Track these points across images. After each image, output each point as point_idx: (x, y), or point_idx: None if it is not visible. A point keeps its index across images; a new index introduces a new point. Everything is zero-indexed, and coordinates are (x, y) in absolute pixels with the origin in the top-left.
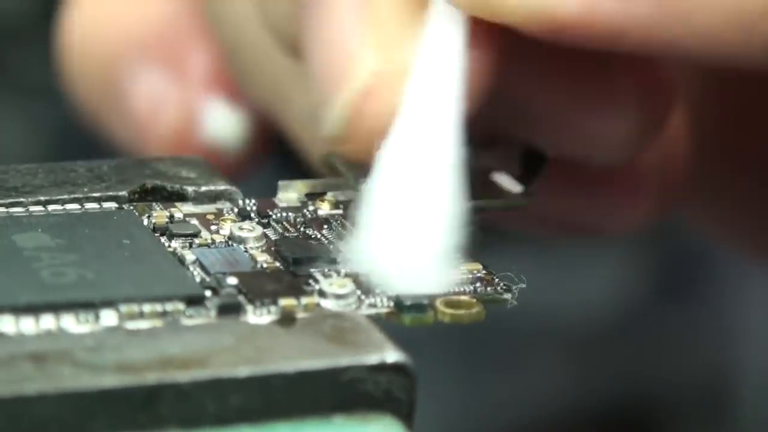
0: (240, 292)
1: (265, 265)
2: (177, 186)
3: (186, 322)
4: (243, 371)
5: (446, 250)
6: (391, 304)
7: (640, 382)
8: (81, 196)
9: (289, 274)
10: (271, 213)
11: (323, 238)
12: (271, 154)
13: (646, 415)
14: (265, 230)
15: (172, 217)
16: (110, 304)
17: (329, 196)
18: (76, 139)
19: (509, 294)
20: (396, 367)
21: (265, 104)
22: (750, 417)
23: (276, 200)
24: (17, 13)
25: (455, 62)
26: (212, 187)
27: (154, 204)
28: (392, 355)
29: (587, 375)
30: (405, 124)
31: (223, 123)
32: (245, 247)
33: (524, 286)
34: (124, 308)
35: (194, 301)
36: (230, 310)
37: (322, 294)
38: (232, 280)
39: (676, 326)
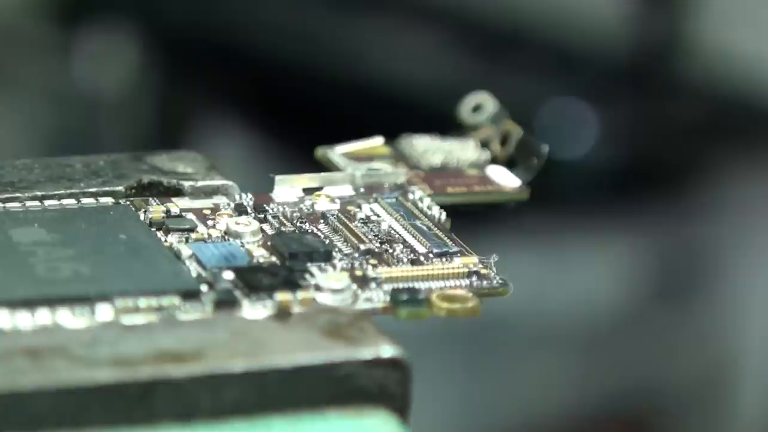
0: (236, 286)
1: (261, 260)
2: (173, 181)
3: (182, 316)
4: (238, 366)
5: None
6: (387, 298)
7: (640, 381)
8: (77, 191)
9: (285, 268)
10: (267, 208)
11: (320, 233)
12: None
13: (645, 413)
14: (261, 225)
15: (168, 212)
16: (106, 298)
17: (326, 190)
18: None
19: (505, 288)
20: (391, 362)
21: None
22: (749, 416)
23: (272, 195)
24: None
25: None
26: (209, 182)
27: (150, 199)
28: (387, 350)
29: (587, 374)
30: None
31: None
32: (241, 242)
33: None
34: (119, 303)
35: (190, 295)
36: (226, 304)
37: (318, 288)
38: (228, 275)
39: (675, 326)
